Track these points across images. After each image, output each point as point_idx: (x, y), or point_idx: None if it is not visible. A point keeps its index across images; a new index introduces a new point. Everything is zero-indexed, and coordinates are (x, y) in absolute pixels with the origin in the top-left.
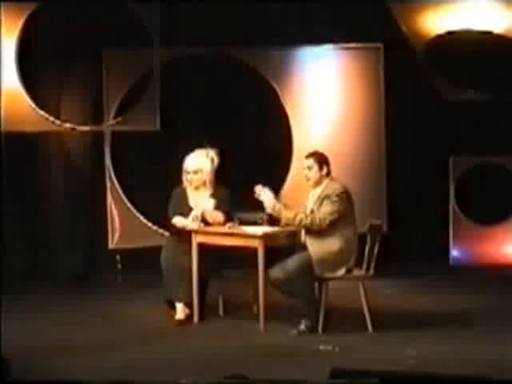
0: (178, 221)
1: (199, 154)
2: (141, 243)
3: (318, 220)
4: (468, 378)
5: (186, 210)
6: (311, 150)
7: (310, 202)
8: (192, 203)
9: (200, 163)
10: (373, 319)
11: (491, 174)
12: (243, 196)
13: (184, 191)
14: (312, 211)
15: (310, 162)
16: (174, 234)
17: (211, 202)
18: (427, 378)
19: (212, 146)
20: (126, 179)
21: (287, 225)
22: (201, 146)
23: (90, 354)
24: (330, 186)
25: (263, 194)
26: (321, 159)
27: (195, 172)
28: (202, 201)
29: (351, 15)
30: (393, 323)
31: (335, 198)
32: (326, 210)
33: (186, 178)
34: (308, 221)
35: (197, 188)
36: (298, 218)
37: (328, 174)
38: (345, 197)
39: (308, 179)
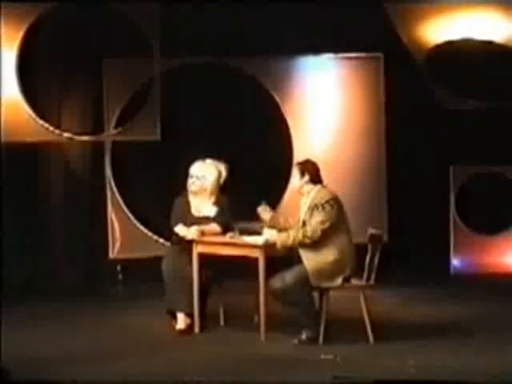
0: (180, 229)
1: (208, 163)
2: (141, 253)
3: (309, 232)
4: None
5: (188, 219)
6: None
7: (302, 212)
8: (194, 211)
9: (206, 170)
10: (373, 329)
11: (491, 183)
12: (244, 205)
13: (186, 199)
14: (304, 222)
15: (295, 170)
16: (176, 244)
17: (213, 211)
18: None
19: (212, 156)
20: (126, 189)
21: (283, 246)
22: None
23: (89, 364)
24: (319, 195)
25: (266, 213)
26: (302, 167)
27: (198, 177)
28: (204, 209)
29: (351, 25)
30: (393, 333)
31: (323, 207)
32: (316, 220)
33: (188, 182)
34: (300, 235)
35: (196, 194)
36: (292, 236)
37: (314, 182)
38: (334, 204)
39: (293, 187)
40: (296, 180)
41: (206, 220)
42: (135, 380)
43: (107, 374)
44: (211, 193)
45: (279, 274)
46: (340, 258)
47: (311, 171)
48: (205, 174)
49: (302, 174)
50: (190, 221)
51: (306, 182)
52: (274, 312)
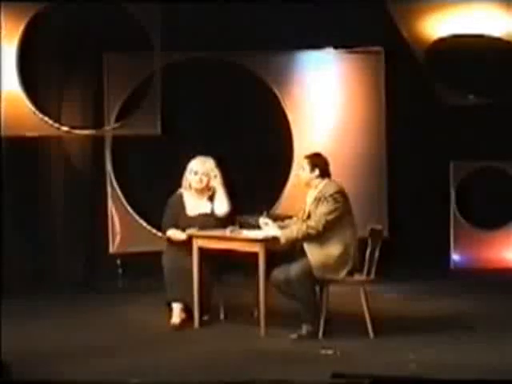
0: (173, 233)
1: (208, 159)
2: (141, 248)
3: (313, 223)
4: (468, 382)
5: (183, 221)
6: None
7: (308, 204)
8: (189, 211)
9: (208, 167)
10: (373, 324)
11: (491, 179)
12: (244, 200)
13: (180, 199)
14: (309, 214)
15: (305, 162)
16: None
17: (219, 207)
18: (427, 382)
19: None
20: (126, 183)
21: (288, 241)
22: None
23: (90, 359)
24: (326, 187)
25: (267, 226)
26: (314, 161)
27: (202, 173)
28: (202, 206)
29: (352, 19)
30: (393, 328)
31: (329, 199)
32: (321, 211)
33: (187, 179)
34: (304, 227)
35: (197, 191)
36: (295, 230)
37: (323, 175)
38: (339, 197)
39: (299, 179)
40: (305, 173)
41: (204, 217)
42: (135, 376)
43: (106, 368)
44: (214, 189)
45: (283, 265)
46: (344, 251)
47: (322, 165)
48: (206, 170)
49: (313, 168)
50: (185, 221)
51: (317, 176)
52: (273, 306)
